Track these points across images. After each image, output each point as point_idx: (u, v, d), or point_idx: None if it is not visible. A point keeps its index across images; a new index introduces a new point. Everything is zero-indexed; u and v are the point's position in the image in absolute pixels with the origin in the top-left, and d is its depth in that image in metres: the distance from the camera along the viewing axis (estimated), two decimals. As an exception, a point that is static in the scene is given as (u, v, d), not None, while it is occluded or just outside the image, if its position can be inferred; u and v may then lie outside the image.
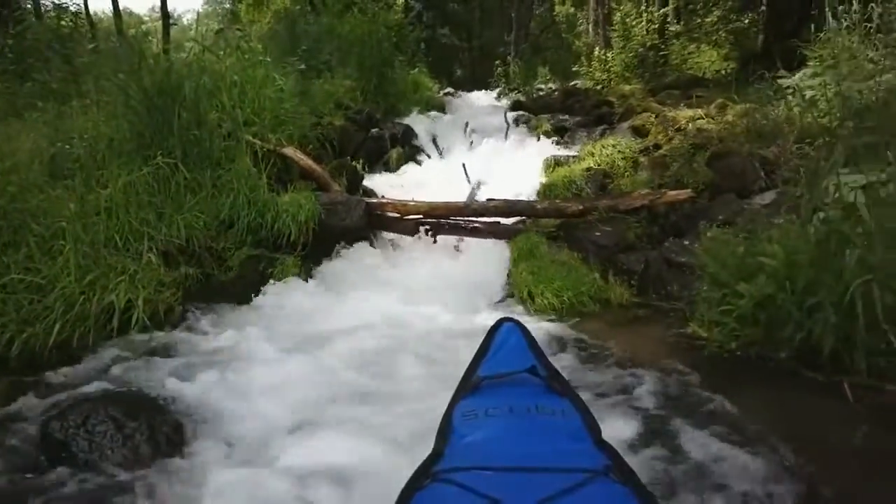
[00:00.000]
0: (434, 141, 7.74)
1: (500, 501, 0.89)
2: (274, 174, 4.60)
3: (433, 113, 9.21)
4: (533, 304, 3.72)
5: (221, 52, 5.38)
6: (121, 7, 12.88)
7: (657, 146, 6.26)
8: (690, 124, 6.50)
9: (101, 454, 1.85)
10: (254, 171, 4.33)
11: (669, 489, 1.80)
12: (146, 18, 26.73)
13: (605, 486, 0.95)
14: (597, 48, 13.43)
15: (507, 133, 8.15)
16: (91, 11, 11.54)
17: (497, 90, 12.35)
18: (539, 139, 7.66)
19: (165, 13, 12.91)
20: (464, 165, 6.49)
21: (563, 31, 22.14)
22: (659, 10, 14.18)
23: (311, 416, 2.23)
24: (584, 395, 1.48)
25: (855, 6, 7.20)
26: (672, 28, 14.23)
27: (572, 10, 21.63)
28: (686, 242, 4.05)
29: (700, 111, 6.73)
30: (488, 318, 3.57)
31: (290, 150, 4.98)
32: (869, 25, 6.73)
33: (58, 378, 2.57)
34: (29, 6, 9.98)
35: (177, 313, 3.30)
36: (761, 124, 5.79)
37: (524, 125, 8.52)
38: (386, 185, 5.95)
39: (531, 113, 9.29)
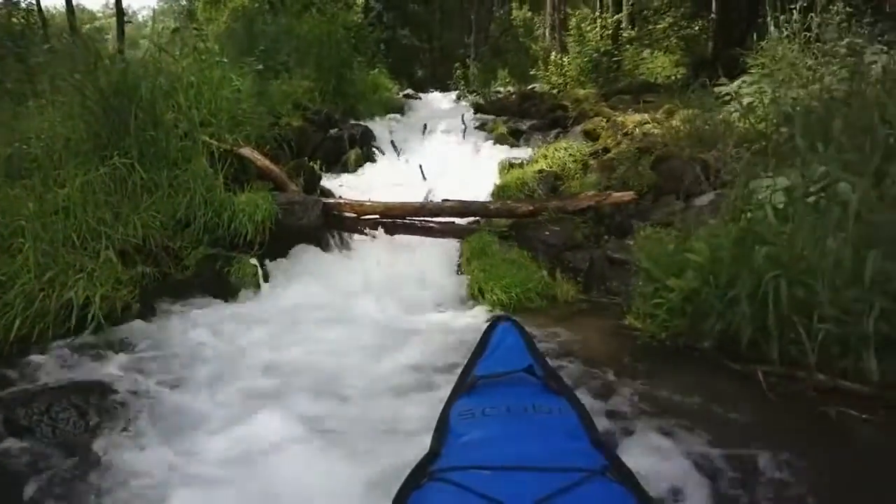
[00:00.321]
0: (392, 142, 7.87)
1: (498, 501, 0.89)
2: (231, 174, 4.65)
3: (392, 114, 9.35)
4: (483, 300, 3.89)
5: (178, 53, 5.41)
6: (74, 3, 12.61)
7: (606, 150, 6.52)
8: (638, 129, 6.78)
9: (65, 439, 1.95)
10: (210, 172, 4.38)
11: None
12: (99, 15, 26.10)
13: (603, 486, 0.96)
14: (553, 52, 13.70)
15: (464, 135, 8.35)
16: (43, 7, 11.24)
17: (456, 92, 12.53)
18: (495, 142, 7.87)
19: (120, 10, 12.68)
20: (420, 167, 6.63)
21: (521, 35, 22.49)
22: (613, 16, 14.57)
23: (250, 404, 2.34)
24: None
25: (795, 16, 7.62)
26: (626, 34, 14.63)
27: (529, 14, 21.98)
28: (628, 241, 4.27)
29: (647, 116, 7.01)
30: (439, 315, 3.75)
31: (247, 151, 5.04)
32: (808, 35, 7.13)
33: (19, 370, 2.63)
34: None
35: (134, 310, 3.35)
36: (703, 129, 6.09)
37: (481, 127, 8.73)
38: (344, 186, 6.05)
39: (489, 115, 9.52)
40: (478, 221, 5.13)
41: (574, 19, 13.99)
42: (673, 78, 12.21)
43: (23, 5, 9.90)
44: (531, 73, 14.88)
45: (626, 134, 6.79)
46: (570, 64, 12.75)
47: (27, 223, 3.16)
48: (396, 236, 5.00)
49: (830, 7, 7.68)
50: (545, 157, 6.51)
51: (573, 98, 9.80)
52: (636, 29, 15.40)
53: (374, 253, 4.85)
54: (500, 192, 5.88)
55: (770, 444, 2.04)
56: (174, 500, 1.69)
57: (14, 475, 1.77)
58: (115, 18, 17.42)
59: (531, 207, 4.91)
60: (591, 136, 7.26)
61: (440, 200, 5.25)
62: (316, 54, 8.73)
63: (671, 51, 15.09)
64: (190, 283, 3.84)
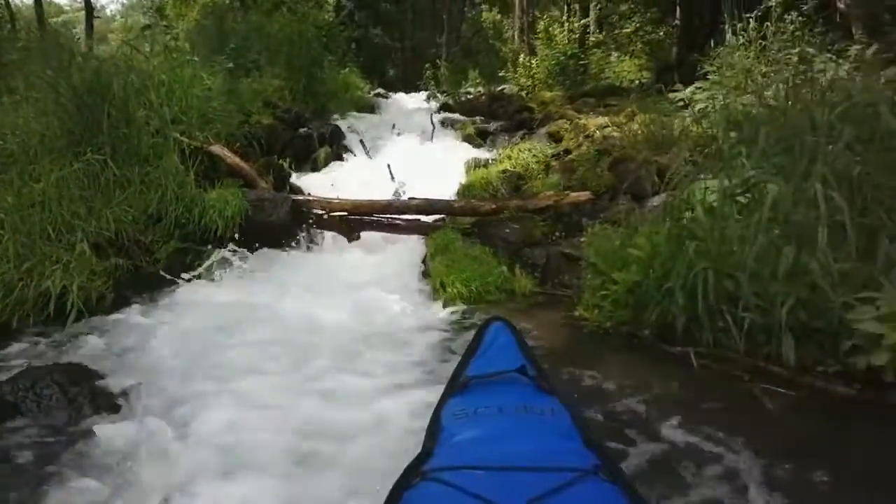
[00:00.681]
0: (362, 141, 8.01)
1: (491, 500, 0.90)
2: (201, 171, 4.78)
3: (362, 114, 9.48)
4: (444, 293, 4.09)
5: (149, 50, 5.50)
6: (40, -4, 12.44)
7: (567, 151, 6.78)
8: (599, 131, 7.06)
9: (49, 414, 2.11)
10: (181, 168, 4.52)
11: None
12: (67, 8, 25.65)
13: (595, 485, 0.97)
14: (522, 55, 13.96)
15: (432, 135, 8.53)
16: (10, 1, 11.10)
17: (427, 92, 12.71)
18: (463, 142, 8.09)
19: (89, 5, 12.55)
20: (389, 166, 6.80)
21: (491, 36, 22.81)
22: (580, 20, 14.90)
23: (219, 387, 2.52)
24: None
25: (752, 24, 7.98)
26: (593, 38, 14.96)
27: (499, 16, 22.31)
28: (582, 239, 4.52)
29: (607, 119, 7.30)
30: (402, 306, 3.93)
31: (217, 148, 5.16)
32: (762, 43, 7.48)
33: (2, 353, 2.79)
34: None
35: (108, 300, 3.50)
36: (660, 133, 6.38)
37: (450, 127, 8.91)
38: (313, 184, 6.18)
39: (458, 116, 9.71)
40: (443, 219, 5.32)
41: (542, 22, 14.28)
42: (637, 82, 12.58)
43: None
44: (500, 74, 15.13)
45: (587, 136, 7.06)
46: (538, 66, 13.02)
47: (6, 216, 3.29)
48: (364, 233, 5.18)
49: (785, 16, 8.08)
50: (510, 157, 6.73)
51: (540, 100, 10.05)
52: (603, 33, 15.75)
53: (341, 248, 5.01)
54: (465, 191, 6.08)
55: (698, 415, 2.30)
56: (149, 466, 1.86)
57: (2, 447, 1.92)
58: (82, 12, 17.20)
59: (494, 206, 5.13)
60: (554, 137, 7.52)
61: (407, 198, 5.43)
62: (287, 53, 8.82)
63: (636, 55, 15.48)
64: (161, 275, 3.97)
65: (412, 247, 5.02)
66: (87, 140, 4.10)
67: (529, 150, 6.86)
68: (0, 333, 3.02)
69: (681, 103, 6.58)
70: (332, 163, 7.20)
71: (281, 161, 6.18)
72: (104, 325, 3.26)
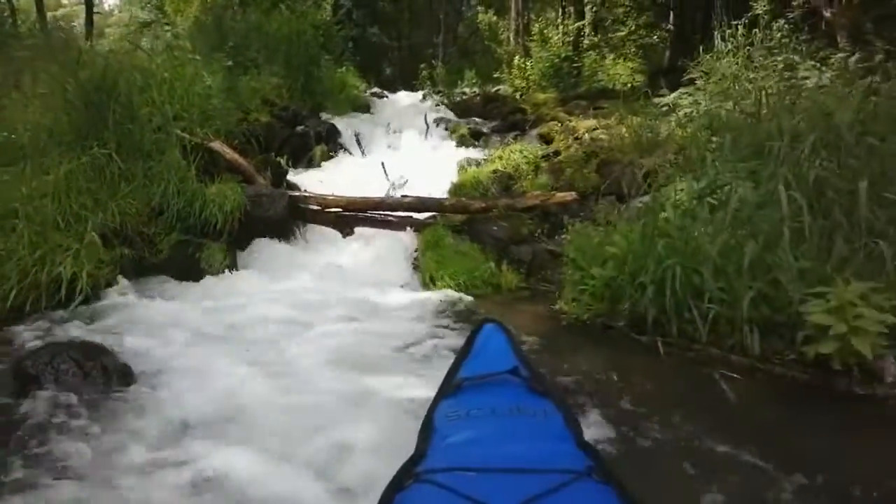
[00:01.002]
0: (357, 139, 8.19)
1: (483, 502, 0.90)
2: (202, 166, 4.96)
3: (358, 113, 9.66)
4: (433, 287, 4.29)
5: (150, 48, 5.67)
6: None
7: (557, 153, 6.98)
8: (588, 134, 7.26)
9: (66, 386, 2.30)
10: (183, 163, 4.69)
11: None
12: (65, 2, 25.69)
13: (588, 487, 0.97)
14: (517, 56, 14.14)
15: (426, 134, 8.71)
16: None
17: (422, 92, 12.86)
18: (456, 142, 8.27)
19: (89, 2, 12.64)
20: (383, 164, 6.98)
21: (486, 38, 23.01)
22: (575, 23, 15.08)
23: (220, 364, 2.72)
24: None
25: (740, 30, 8.19)
26: (586, 41, 15.14)
27: (494, 18, 22.51)
28: (565, 237, 4.72)
29: (595, 122, 7.50)
30: (395, 297, 4.14)
31: (216, 144, 5.34)
32: (749, 49, 7.69)
33: (20, 332, 3.01)
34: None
35: (115, 287, 3.72)
36: (647, 136, 6.59)
37: (444, 128, 9.09)
38: (309, 180, 6.36)
39: (452, 116, 9.89)
40: (434, 216, 5.52)
41: (537, 25, 14.45)
42: (630, 85, 12.77)
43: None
44: (496, 75, 15.31)
45: (576, 139, 7.26)
46: (532, 68, 13.18)
47: (21, 206, 3.48)
48: (358, 228, 5.37)
49: (773, 24, 8.30)
50: (500, 158, 6.92)
51: (533, 102, 10.21)
52: (598, 36, 15.93)
53: (336, 243, 5.21)
54: (456, 189, 6.26)
55: (663, 397, 2.54)
56: (159, 434, 2.08)
57: (25, 415, 2.13)
58: (80, 6, 17.29)
59: (483, 204, 5.33)
60: (545, 139, 7.72)
61: (399, 196, 5.63)
62: (285, 52, 8.98)
63: (630, 59, 15.66)
64: (164, 265, 4.16)
65: (404, 242, 5.21)
66: (94, 135, 4.28)
67: (520, 151, 7.04)
68: (16, 315, 3.24)
69: (665, 108, 6.77)
70: (328, 160, 7.38)
71: (278, 158, 6.36)
72: (112, 307, 3.47)
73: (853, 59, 6.55)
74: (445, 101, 11.25)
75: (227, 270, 4.42)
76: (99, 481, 1.80)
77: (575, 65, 13.22)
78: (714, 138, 4.72)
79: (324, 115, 8.66)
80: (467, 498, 0.91)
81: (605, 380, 2.75)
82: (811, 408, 2.50)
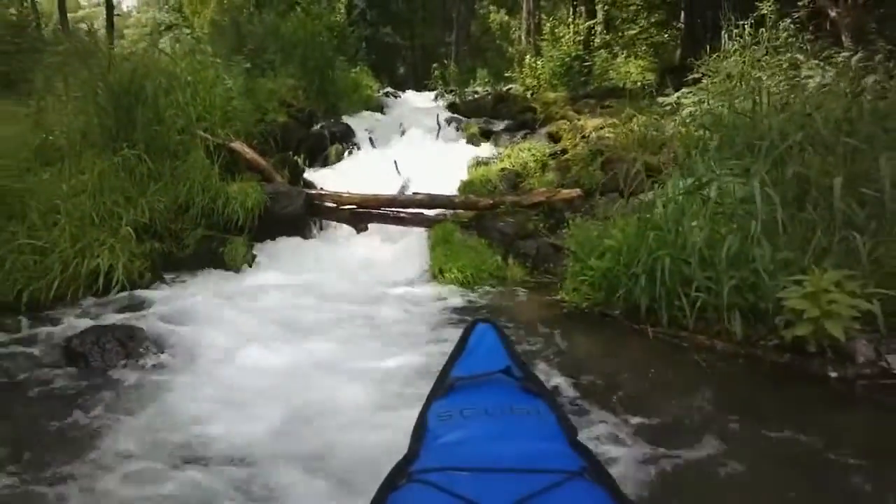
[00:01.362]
0: (371, 139, 8.44)
1: (476, 502, 0.90)
2: (223, 166, 5.23)
3: (372, 112, 9.92)
4: (442, 279, 4.53)
5: (171, 51, 5.95)
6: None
7: (564, 151, 7.19)
8: (595, 132, 7.46)
9: (111, 362, 2.61)
10: (206, 163, 4.97)
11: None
12: (84, 4, 26.24)
13: (581, 487, 0.97)
14: (528, 55, 14.30)
15: (438, 134, 8.94)
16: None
17: (435, 91, 13.06)
18: (467, 141, 8.50)
19: (110, 3, 13.02)
20: (395, 163, 7.23)
21: (498, 37, 23.23)
22: (586, 22, 15.22)
23: (250, 344, 3.01)
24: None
25: (747, 30, 8.33)
26: (598, 39, 15.26)
27: (506, 17, 22.73)
28: (567, 231, 4.94)
29: (601, 121, 7.68)
30: (407, 288, 4.38)
31: (237, 145, 5.61)
32: (756, 48, 7.83)
33: (65, 317, 3.32)
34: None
35: (146, 278, 4.02)
36: (652, 135, 6.77)
37: (455, 127, 9.32)
38: (325, 178, 6.62)
39: (463, 115, 10.07)
40: (445, 213, 5.75)
41: (548, 24, 14.60)
42: (640, 84, 12.89)
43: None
44: (507, 74, 15.48)
45: (584, 137, 7.45)
46: (543, 67, 13.33)
47: (62, 202, 3.78)
48: (372, 225, 5.62)
49: (779, 23, 8.43)
50: (509, 156, 7.14)
51: (543, 101, 10.36)
52: (609, 35, 16.05)
53: (351, 238, 5.46)
54: (466, 187, 6.49)
55: (652, 379, 2.77)
56: (195, 411, 2.33)
57: (75, 388, 2.41)
58: (99, 8, 17.71)
59: (491, 201, 5.56)
60: (554, 137, 7.93)
61: (411, 193, 5.87)
62: (300, 54, 9.25)
63: (641, 57, 15.76)
64: (190, 259, 4.45)
65: (415, 237, 5.46)
66: (123, 136, 4.57)
67: (529, 149, 7.25)
68: (58, 303, 3.55)
69: (669, 107, 6.95)
70: (343, 159, 7.64)
71: (295, 157, 6.64)
72: (147, 297, 3.77)
73: (855, 58, 6.67)
74: (457, 100, 11.43)
75: (248, 264, 4.68)
76: (143, 446, 2.06)
77: (585, 63, 13.34)
78: (709, 136, 4.93)
79: (338, 116, 8.93)
80: (460, 497, 0.92)
81: (602, 363, 2.99)
82: (784, 388, 2.70)
